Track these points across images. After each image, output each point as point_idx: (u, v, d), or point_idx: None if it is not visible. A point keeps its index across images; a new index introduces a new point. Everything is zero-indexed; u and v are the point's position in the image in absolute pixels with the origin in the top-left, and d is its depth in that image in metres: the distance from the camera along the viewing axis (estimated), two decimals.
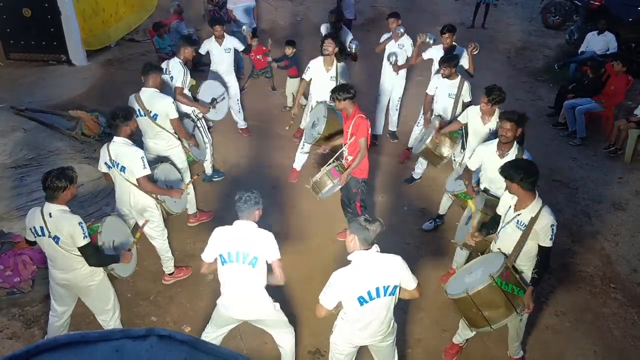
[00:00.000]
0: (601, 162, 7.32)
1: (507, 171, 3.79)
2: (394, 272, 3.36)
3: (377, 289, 3.31)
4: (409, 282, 3.43)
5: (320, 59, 6.23)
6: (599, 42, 8.93)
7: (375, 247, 3.36)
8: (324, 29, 7.49)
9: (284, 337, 4.07)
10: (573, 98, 8.05)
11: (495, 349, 4.54)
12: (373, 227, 3.30)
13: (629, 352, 4.60)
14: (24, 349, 0.66)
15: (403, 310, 4.68)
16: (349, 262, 3.38)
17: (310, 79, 6.33)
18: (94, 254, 3.96)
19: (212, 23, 7.21)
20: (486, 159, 4.70)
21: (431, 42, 6.77)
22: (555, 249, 5.66)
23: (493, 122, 5.13)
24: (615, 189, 6.76)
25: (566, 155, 7.44)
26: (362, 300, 3.31)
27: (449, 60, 5.97)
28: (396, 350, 3.82)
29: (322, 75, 6.23)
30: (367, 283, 3.30)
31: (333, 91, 5.12)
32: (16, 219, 5.44)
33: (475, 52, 6.41)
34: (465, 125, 5.54)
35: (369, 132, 5.20)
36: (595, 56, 8.74)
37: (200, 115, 6.08)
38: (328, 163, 5.42)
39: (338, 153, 5.45)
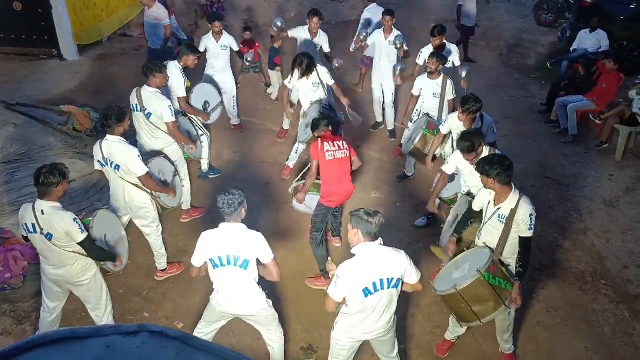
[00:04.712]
0: (592, 160, 7.35)
1: (482, 167, 3.83)
2: (398, 264, 3.40)
3: (382, 281, 3.34)
4: (412, 275, 3.48)
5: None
6: (591, 40, 8.95)
7: (379, 240, 3.41)
8: (279, 22, 7.23)
9: (274, 336, 4.08)
10: (565, 95, 8.08)
11: (487, 345, 4.57)
12: (375, 220, 3.35)
13: (619, 348, 4.64)
14: (15, 345, 0.65)
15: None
16: (351, 256, 3.42)
17: (294, 87, 6.34)
18: (93, 246, 3.98)
19: (212, 19, 7.05)
20: (460, 164, 4.75)
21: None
22: (547, 246, 5.75)
23: None
24: (606, 186, 6.80)
25: (558, 153, 7.47)
26: (367, 292, 3.34)
27: (440, 56, 5.97)
28: (397, 342, 3.85)
29: (304, 84, 6.23)
30: (372, 274, 3.33)
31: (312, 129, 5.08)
32: (7, 215, 5.40)
33: (465, 87, 6.54)
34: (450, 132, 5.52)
35: (319, 153, 4.81)
36: (587, 54, 8.77)
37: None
38: (297, 179, 5.45)
39: (306, 169, 5.38)
